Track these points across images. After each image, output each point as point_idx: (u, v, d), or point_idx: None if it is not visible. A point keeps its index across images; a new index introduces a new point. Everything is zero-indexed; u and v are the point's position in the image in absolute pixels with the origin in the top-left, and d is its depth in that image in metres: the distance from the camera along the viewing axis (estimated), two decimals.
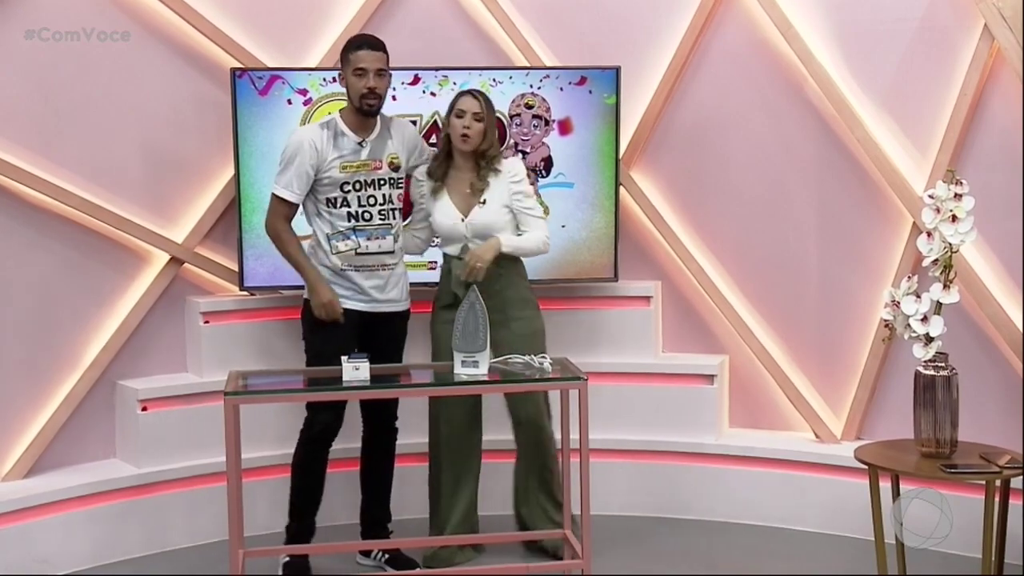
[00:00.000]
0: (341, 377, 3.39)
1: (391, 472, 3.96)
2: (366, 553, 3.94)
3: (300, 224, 3.84)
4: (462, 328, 3.45)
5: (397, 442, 3.97)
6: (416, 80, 4.32)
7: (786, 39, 4.31)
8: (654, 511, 4.41)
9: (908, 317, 3.41)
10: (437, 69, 4.33)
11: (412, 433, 4.16)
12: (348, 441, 3.96)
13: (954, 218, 3.40)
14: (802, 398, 4.42)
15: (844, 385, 4.38)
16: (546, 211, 4.38)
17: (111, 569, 3.99)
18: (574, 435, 3.62)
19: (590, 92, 4.37)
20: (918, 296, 3.42)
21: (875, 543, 3.42)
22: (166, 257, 4.28)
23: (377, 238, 3.73)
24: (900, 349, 4.07)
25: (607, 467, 4.32)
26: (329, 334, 3.70)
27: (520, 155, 4.35)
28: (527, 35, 4.56)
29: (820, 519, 4.25)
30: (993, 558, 3.30)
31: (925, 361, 3.40)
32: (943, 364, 3.39)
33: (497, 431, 4.11)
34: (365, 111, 3.70)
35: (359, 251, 3.71)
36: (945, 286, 3.41)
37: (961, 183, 3.43)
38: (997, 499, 3.29)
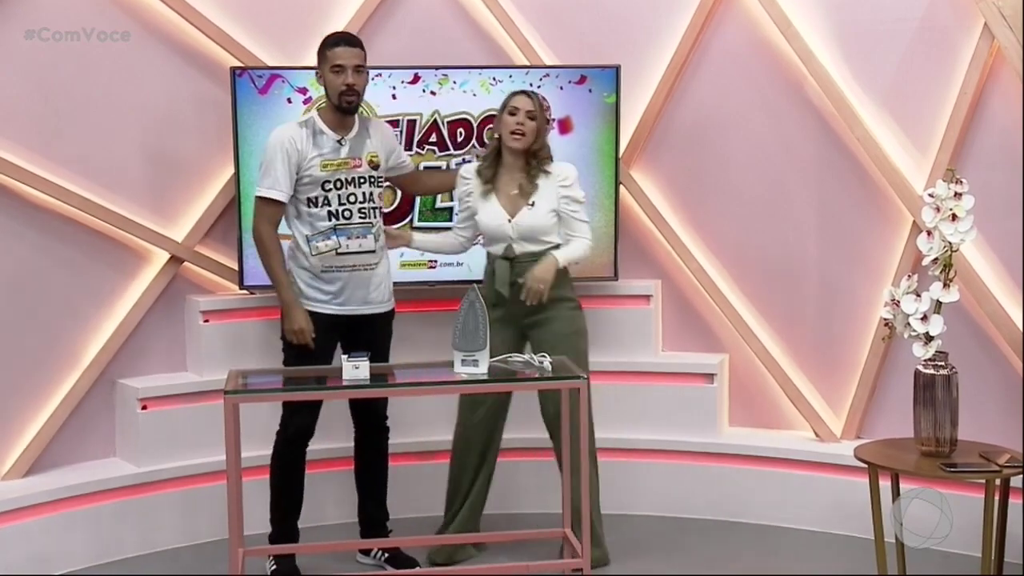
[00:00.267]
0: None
1: (385, 471, 3.95)
2: (366, 552, 3.94)
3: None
4: (462, 327, 3.45)
5: (389, 441, 3.95)
6: (416, 79, 4.32)
7: (786, 38, 4.31)
8: (653, 510, 4.41)
9: (908, 316, 3.41)
10: (437, 68, 4.33)
11: (405, 433, 4.18)
12: (340, 441, 3.95)
13: (954, 217, 3.40)
14: (802, 397, 4.42)
15: (844, 384, 4.38)
16: None
17: (111, 568, 3.99)
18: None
19: (590, 91, 4.37)
20: (918, 295, 3.42)
21: (875, 542, 3.43)
22: (166, 256, 4.28)
23: (358, 237, 3.70)
24: (900, 348, 4.07)
25: (607, 466, 4.30)
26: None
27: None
28: (527, 34, 4.56)
29: (820, 518, 4.25)
30: (993, 557, 3.30)
31: (925, 360, 3.40)
32: (943, 363, 3.39)
33: (513, 430, 4.14)
34: (344, 108, 3.67)
35: (340, 251, 3.68)
36: (945, 285, 3.41)
37: (961, 182, 3.43)
38: (997, 498, 3.29)
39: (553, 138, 4.34)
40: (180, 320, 4.34)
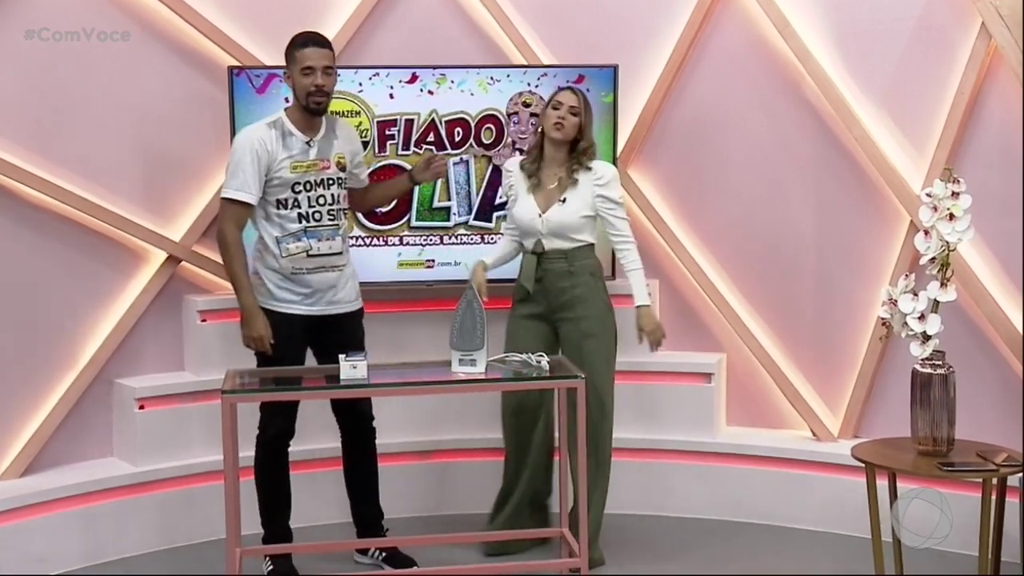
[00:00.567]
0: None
1: (375, 471, 3.92)
2: (363, 551, 3.94)
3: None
4: (459, 326, 3.45)
5: (377, 441, 3.94)
6: (414, 78, 4.32)
7: (784, 37, 4.31)
8: (651, 509, 4.41)
9: (905, 315, 3.41)
10: (435, 67, 4.33)
11: (393, 433, 4.19)
12: (329, 441, 3.94)
13: (951, 216, 3.40)
14: (799, 396, 4.42)
15: (842, 383, 4.38)
16: None
17: (108, 568, 3.98)
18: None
19: (588, 90, 4.35)
20: (915, 294, 3.42)
21: (872, 541, 3.43)
22: (163, 255, 4.27)
23: (327, 239, 3.69)
24: (897, 347, 4.07)
25: None
26: (280, 341, 3.66)
27: (519, 153, 4.36)
28: (524, 33, 4.56)
29: (818, 517, 4.25)
30: (990, 556, 3.30)
31: (922, 359, 3.40)
32: (940, 362, 3.39)
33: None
34: (312, 109, 3.64)
35: (311, 252, 3.67)
36: (942, 284, 3.41)
37: (958, 181, 3.43)
38: (994, 497, 3.29)
39: None
40: (177, 320, 4.34)
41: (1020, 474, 3.23)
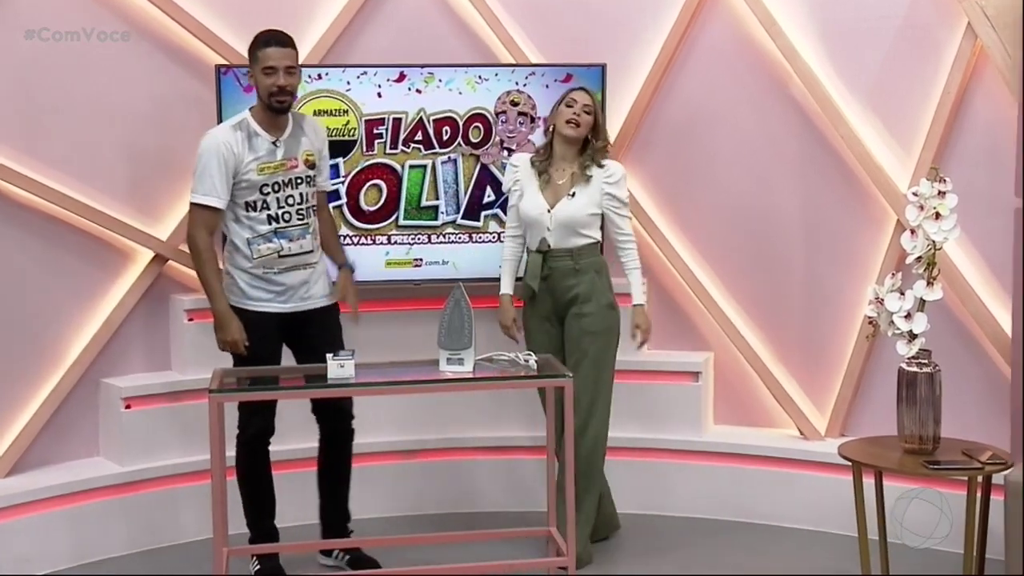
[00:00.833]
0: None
1: (349, 472, 3.92)
2: (327, 553, 3.92)
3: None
4: (447, 325, 3.45)
5: (364, 440, 3.93)
6: (402, 77, 4.31)
7: (771, 36, 4.32)
8: (639, 508, 4.41)
9: (892, 314, 3.42)
10: (423, 66, 4.32)
11: (380, 432, 4.21)
12: (314, 441, 3.93)
13: (937, 215, 3.41)
14: (787, 395, 4.43)
15: (828, 382, 4.39)
16: None
17: (94, 568, 3.97)
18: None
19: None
20: (902, 293, 3.43)
21: (859, 539, 3.44)
22: (150, 254, 4.26)
23: (298, 238, 3.67)
24: (884, 346, 4.08)
25: None
26: (257, 340, 3.65)
27: (507, 151, 4.36)
28: (513, 32, 4.56)
29: (805, 515, 4.27)
30: (975, 553, 3.32)
31: (909, 358, 3.41)
32: (926, 361, 3.40)
33: (520, 428, 4.21)
34: (276, 108, 3.61)
35: (282, 253, 3.65)
36: (929, 283, 3.42)
37: (944, 180, 3.44)
38: (979, 495, 3.31)
39: (539, 136, 4.35)
40: (164, 319, 4.33)
41: (1005, 472, 3.24)
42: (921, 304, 3.42)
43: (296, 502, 4.02)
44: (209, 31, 4.27)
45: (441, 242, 4.38)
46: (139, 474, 4.09)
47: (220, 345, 3.66)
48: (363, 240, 4.32)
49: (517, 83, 4.36)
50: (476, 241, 4.39)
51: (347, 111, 4.28)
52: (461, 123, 4.35)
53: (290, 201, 3.67)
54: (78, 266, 4.15)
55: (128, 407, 4.11)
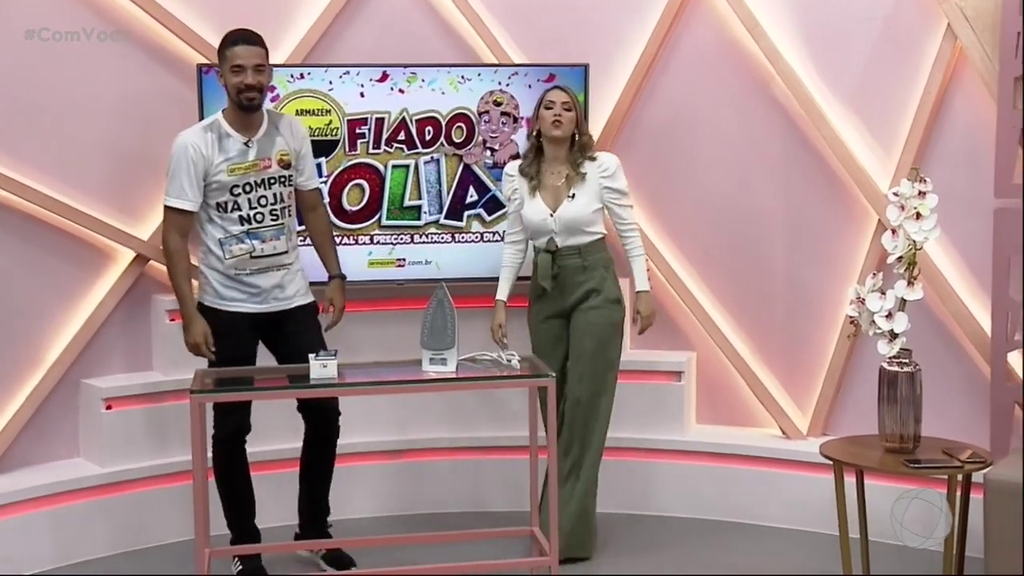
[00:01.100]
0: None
1: (332, 468, 3.91)
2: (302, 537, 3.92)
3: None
4: (430, 325, 3.45)
5: (347, 440, 3.92)
6: (384, 77, 4.31)
7: (753, 37, 4.34)
8: (621, 508, 4.42)
9: (873, 314, 3.44)
10: (405, 66, 4.32)
11: (363, 432, 4.21)
12: (293, 441, 3.92)
13: (918, 215, 3.43)
14: (769, 395, 4.45)
15: (810, 381, 4.41)
16: None
17: (75, 569, 3.95)
18: (541, 432, 3.63)
19: None
20: (883, 293, 3.45)
21: (840, 538, 3.46)
22: (131, 254, 4.24)
23: (271, 239, 3.66)
24: (865, 346, 4.10)
25: None
26: (230, 340, 3.66)
27: (489, 151, 4.36)
28: (495, 32, 4.56)
29: (786, 515, 4.28)
30: (955, 552, 3.34)
31: (889, 357, 3.43)
32: (907, 360, 3.42)
33: (503, 428, 4.24)
34: (244, 106, 3.60)
35: (254, 254, 3.65)
36: (909, 283, 3.44)
37: (925, 181, 3.46)
38: (959, 493, 3.33)
39: (521, 137, 4.36)
40: (146, 319, 4.31)
41: (985, 470, 3.27)
42: (902, 304, 3.44)
43: (278, 503, 4.01)
44: (190, 30, 4.26)
45: (424, 242, 4.38)
46: (120, 475, 4.07)
47: (188, 347, 3.67)
48: (346, 240, 4.31)
49: (500, 83, 4.36)
50: (459, 241, 4.38)
51: (329, 111, 4.27)
52: (444, 123, 4.35)
53: (263, 202, 3.65)
54: (59, 266, 4.13)
55: (109, 408, 4.09)
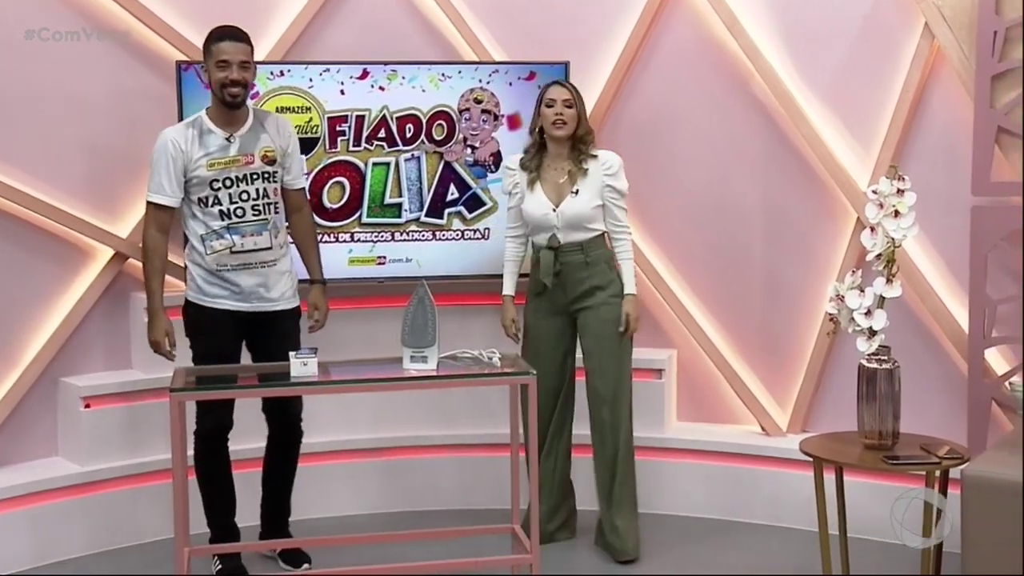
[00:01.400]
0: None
1: (294, 471, 3.92)
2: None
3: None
4: (411, 323, 3.44)
5: (326, 439, 3.94)
6: (365, 74, 4.30)
7: (733, 35, 4.35)
8: (596, 504, 4.43)
9: (852, 311, 3.46)
10: (386, 63, 4.31)
11: (342, 431, 4.23)
12: (254, 441, 3.92)
13: (897, 213, 3.45)
14: (749, 392, 4.47)
15: (790, 379, 4.43)
16: (495, 206, 4.39)
17: (54, 569, 3.93)
18: (522, 429, 3.63)
19: (539, 87, 4.36)
20: (862, 290, 3.47)
21: (819, 534, 3.47)
22: (110, 252, 4.22)
23: (252, 235, 3.65)
24: (844, 343, 4.12)
25: None
26: (211, 336, 3.66)
27: (470, 149, 4.36)
28: (476, 30, 4.56)
29: (766, 511, 4.30)
30: (932, 546, 3.36)
31: (868, 354, 3.45)
32: (886, 357, 3.44)
33: (485, 425, 4.27)
34: (228, 102, 3.60)
35: (234, 249, 3.64)
36: (888, 280, 3.46)
37: (903, 179, 3.48)
38: (937, 489, 3.35)
39: (502, 134, 4.36)
40: (125, 317, 4.29)
41: (962, 466, 3.29)
42: (881, 301, 3.46)
43: (258, 501, 3.99)
44: (170, 27, 4.24)
45: (405, 240, 4.37)
46: (99, 474, 4.05)
47: (149, 344, 3.67)
48: (326, 238, 4.30)
49: (480, 81, 4.36)
50: (440, 239, 4.38)
51: (310, 108, 4.26)
52: (424, 120, 4.35)
53: (244, 197, 3.64)
54: (37, 263, 4.10)
55: (87, 406, 4.06)
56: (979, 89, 3.82)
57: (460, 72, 4.35)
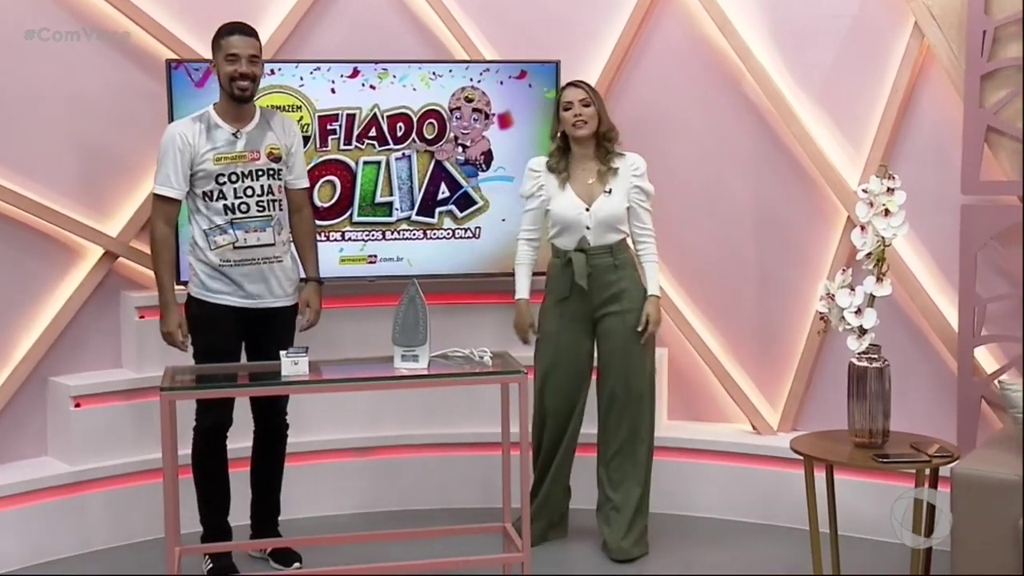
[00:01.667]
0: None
1: (281, 469, 3.92)
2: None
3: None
4: (402, 322, 3.44)
5: (317, 438, 3.93)
6: (355, 73, 4.29)
7: (724, 35, 4.36)
8: (591, 504, 4.42)
9: (843, 310, 3.47)
10: (376, 62, 4.31)
11: (333, 430, 4.22)
12: (243, 440, 3.91)
13: (887, 212, 3.46)
14: (740, 390, 4.48)
15: (780, 377, 4.44)
16: (486, 205, 4.39)
17: (44, 569, 3.91)
18: (514, 428, 3.63)
19: (530, 86, 4.38)
20: (852, 289, 3.48)
21: (810, 532, 3.48)
22: (100, 251, 4.21)
23: (255, 230, 3.66)
24: (835, 341, 4.13)
25: None
26: (213, 332, 3.66)
27: (461, 148, 4.36)
28: (467, 29, 4.55)
29: (757, 509, 4.31)
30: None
31: (859, 353, 3.45)
32: (876, 356, 3.45)
33: (476, 424, 4.27)
34: (237, 96, 3.61)
35: (237, 244, 3.64)
36: (878, 279, 3.47)
37: (893, 178, 3.49)
38: (927, 487, 3.36)
39: (493, 133, 4.36)
40: (115, 316, 4.27)
41: (952, 464, 3.30)
42: (871, 300, 3.47)
43: (247, 500, 3.98)
44: (160, 25, 4.23)
45: (395, 238, 4.37)
46: (89, 473, 4.04)
47: (162, 336, 3.68)
48: (317, 236, 4.29)
49: (471, 79, 4.36)
50: (431, 237, 4.38)
51: (300, 107, 4.26)
52: (415, 119, 4.34)
53: (248, 192, 3.65)
54: (27, 263, 4.09)
55: (78, 406, 4.05)
56: (968, 88, 3.83)
57: (451, 71, 4.35)
